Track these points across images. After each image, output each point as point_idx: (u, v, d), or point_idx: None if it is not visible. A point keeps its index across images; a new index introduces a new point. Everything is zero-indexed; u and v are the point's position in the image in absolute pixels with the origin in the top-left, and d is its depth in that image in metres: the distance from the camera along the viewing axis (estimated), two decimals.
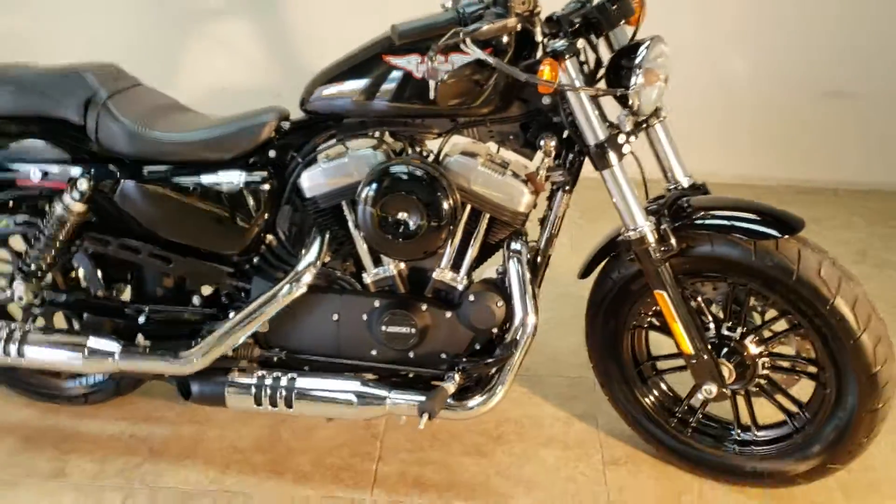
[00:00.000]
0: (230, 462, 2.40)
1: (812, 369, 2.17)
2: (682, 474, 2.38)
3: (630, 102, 1.98)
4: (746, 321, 2.18)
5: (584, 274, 2.29)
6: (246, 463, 2.40)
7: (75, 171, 2.23)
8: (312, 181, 2.19)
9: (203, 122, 2.27)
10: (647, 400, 2.38)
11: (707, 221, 2.08)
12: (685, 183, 2.19)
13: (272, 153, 2.24)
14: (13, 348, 2.27)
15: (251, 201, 2.23)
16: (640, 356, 2.37)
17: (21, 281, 2.32)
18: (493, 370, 2.15)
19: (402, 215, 2.06)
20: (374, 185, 2.06)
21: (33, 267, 2.31)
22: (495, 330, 2.20)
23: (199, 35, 4.35)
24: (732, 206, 2.09)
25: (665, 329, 2.22)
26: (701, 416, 2.34)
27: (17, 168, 2.27)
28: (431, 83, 1.98)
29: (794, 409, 2.24)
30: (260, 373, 2.22)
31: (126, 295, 2.45)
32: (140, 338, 2.34)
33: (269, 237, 2.31)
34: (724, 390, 2.17)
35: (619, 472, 2.40)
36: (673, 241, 2.05)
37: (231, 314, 2.27)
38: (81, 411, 2.58)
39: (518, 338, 2.11)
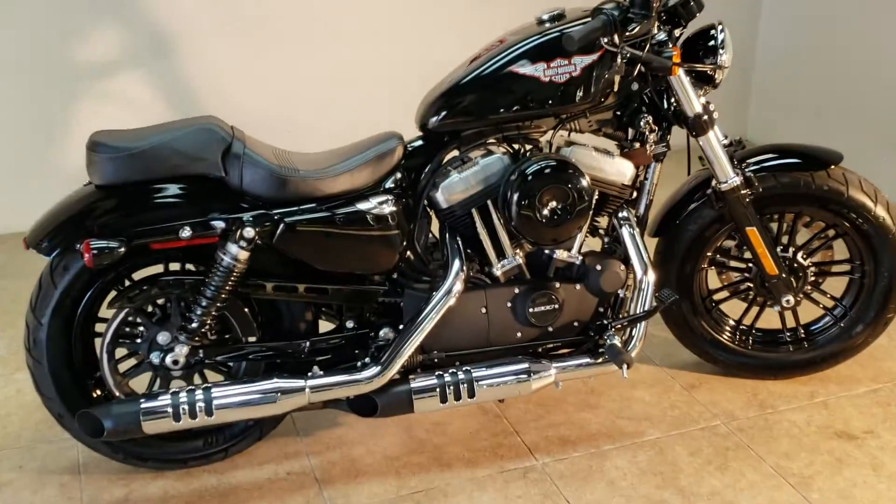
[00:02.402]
0: (397, 468, 2.54)
1: (846, 268, 2.78)
2: (747, 382, 2.90)
3: (715, 76, 2.45)
4: (793, 241, 2.75)
5: (658, 232, 2.73)
6: (411, 465, 2.56)
7: (219, 223, 2.26)
8: (448, 192, 2.42)
9: (334, 157, 2.41)
10: (712, 327, 2.87)
11: (770, 163, 2.61)
12: (725, 141, 2.70)
13: (402, 174, 2.43)
14: (200, 409, 2.26)
15: (391, 220, 2.40)
16: (703, 293, 2.85)
17: (185, 342, 2.31)
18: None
19: (552, 204, 2.36)
20: (520, 184, 2.34)
21: (196, 324, 2.30)
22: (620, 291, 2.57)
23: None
24: (785, 150, 2.64)
25: (721, 264, 2.77)
26: (756, 330, 2.89)
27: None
28: (565, 79, 2.33)
29: (830, 304, 2.84)
30: (437, 372, 2.41)
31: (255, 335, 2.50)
32: (315, 369, 2.41)
33: (408, 252, 2.49)
34: (798, 297, 2.72)
35: (702, 392, 2.88)
36: (756, 183, 2.55)
37: (385, 330, 2.44)
38: (215, 467, 2.56)
39: (644, 292, 2.50)
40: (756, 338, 2.91)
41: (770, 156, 2.65)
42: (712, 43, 2.48)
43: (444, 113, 2.40)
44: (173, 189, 2.26)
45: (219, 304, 2.30)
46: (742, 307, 2.88)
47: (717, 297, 2.89)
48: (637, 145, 2.54)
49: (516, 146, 2.50)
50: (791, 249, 2.74)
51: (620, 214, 2.56)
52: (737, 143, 2.70)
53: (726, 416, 2.76)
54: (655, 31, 2.37)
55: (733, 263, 2.83)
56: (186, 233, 2.23)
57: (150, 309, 2.39)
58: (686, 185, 2.75)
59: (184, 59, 4.23)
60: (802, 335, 2.88)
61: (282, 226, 2.29)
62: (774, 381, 2.91)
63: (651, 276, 2.51)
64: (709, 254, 2.79)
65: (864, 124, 4.43)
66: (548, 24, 2.41)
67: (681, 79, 2.44)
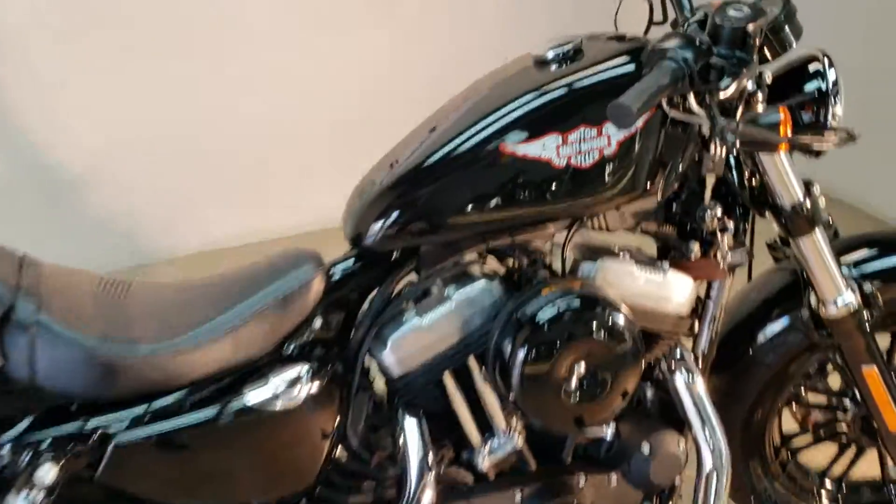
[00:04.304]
0: None
1: None
2: None
3: (825, 140, 1.51)
4: None
5: (715, 366, 1.80)
6: None
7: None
8: (403, 350, 1.47)
9: (205, 307, 1.40)
10: (792, 490, 1.97)
11: (885, 265, 1.72)
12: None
13: (323, 322, 1.45)
14: None
15: (307, 412, 1.42)
16: (774, 441, 1.95)
17: None
18: None
19: (578, 369, 1.41)
20: (524, 338, 1.40)
21: None
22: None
23: None
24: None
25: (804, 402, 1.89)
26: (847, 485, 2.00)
27: None
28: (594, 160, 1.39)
29: None
30: None
31: None
32: None
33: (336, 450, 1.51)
34: None
35: None
36: (881, 302, 1.64)
37: None
38: None
39: (714, 485, 1.58)
40: (851, 498, 2.00)
41: (874, 252, 1.74)
42: (814, 86, 1.54)
43: (391, 221, 1.44)
44: None
45: None
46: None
47: (795, 442, 1.98)
48: (696, 248, 1.59)
49: (510, 263, 1.54)
50: None
51: (673, 355, 1.62)
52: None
53: None
54: (752, 86, 1.42)
55: (818, 398, 1.93)
56: None
57: None
58: (755, 293, 1.83)
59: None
60: None
61: (110, 448, 1.29)
62: None
63: (725, 454, 1.58)
64: (791, 389, 1.88)
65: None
66: (557, 68, 1.46)
67: (781, 155, 1.51)
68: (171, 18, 3.13)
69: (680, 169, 1.47)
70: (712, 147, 1.43)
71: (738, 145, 1.29)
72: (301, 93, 3.36)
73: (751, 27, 1.29)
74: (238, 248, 3.39)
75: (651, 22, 1.61)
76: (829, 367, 1.88)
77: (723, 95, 1.29)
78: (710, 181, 1.59)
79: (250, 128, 3.34)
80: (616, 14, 1.66)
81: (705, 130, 1.48)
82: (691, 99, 1.33)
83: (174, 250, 3.36)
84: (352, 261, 1.50)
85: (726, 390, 1.84)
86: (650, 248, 1.66)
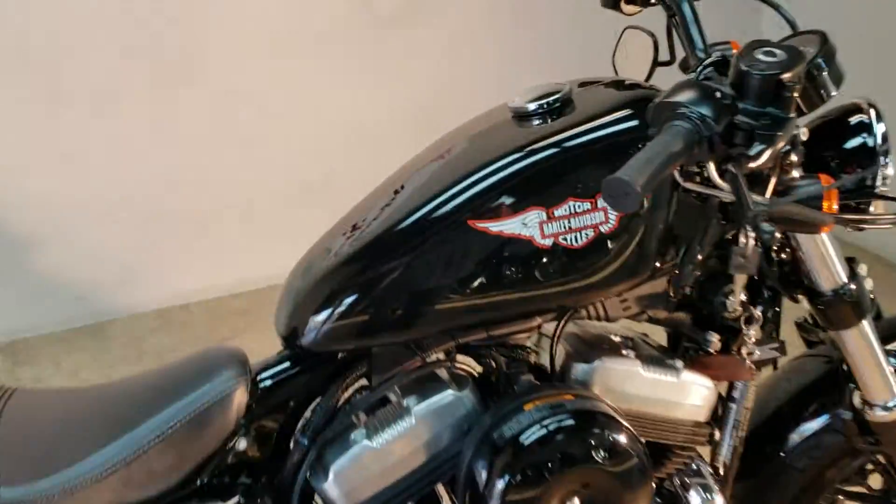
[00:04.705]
0: None
1: None
2: None
3: (880, 221, 1.21)
4: None
5: (742, 474, 1.49)
6: None
7: None
8: (349, 479, 1.16)
9: (91, 432, 1.10)
10: None
11: None
12: None
13: (246, 445, 1.15)
14: None
15: None
16: None
17: None
18: None
19: (570, 502, 1.11)
20: (503, 463, 1.10)
21: None
22: None
23: None
24: None
25: None
26: None
27: None
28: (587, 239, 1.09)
29: None
30: None
31: None
32: None
33: None
34: None
35: None
36: None
37: None
38: None
39: None
40: None
41: None
42: (858, 142, 1.25)
43: (337, 313, 1.14)
44: None
45: None
46: None
47: None
48: (715, 340, 1.29)
49: (485, 364, 1.24)
50: None
51: (688, 471, 1.32)
52: None
53: None
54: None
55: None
56: None
57: None
58: (784, 384, 1.52)
59: None
60: None
61: None
62: None
63: None
64: (827, 496, 1.57)
65: None
66: (540, 123, 1.17)
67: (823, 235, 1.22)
68: (123, 73, 2.88)
69: (698, 253, 1.17)
70: (742, 238, 1.12)
71: (776, 237, 0.99)
72: (261, 149, 3.12)
73: (786, 76, 0.99)
74: (197, 303, 3.16)
75: (656, 62, 1.32)
76: (870, 465, 1.59)
77: (753, 165, 1.00)
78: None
79: (205, 185, 3.10)
80: (615, 53, 1.38)
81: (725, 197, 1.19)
82: (711, 169, 1.03)
83: (132, 308, 3.08)
84: (286, 363, 1.20)
85: (752, 501, 1.54)
86: (658, 334, 1.37)
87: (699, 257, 1.17)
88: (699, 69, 1.16)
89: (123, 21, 2.81)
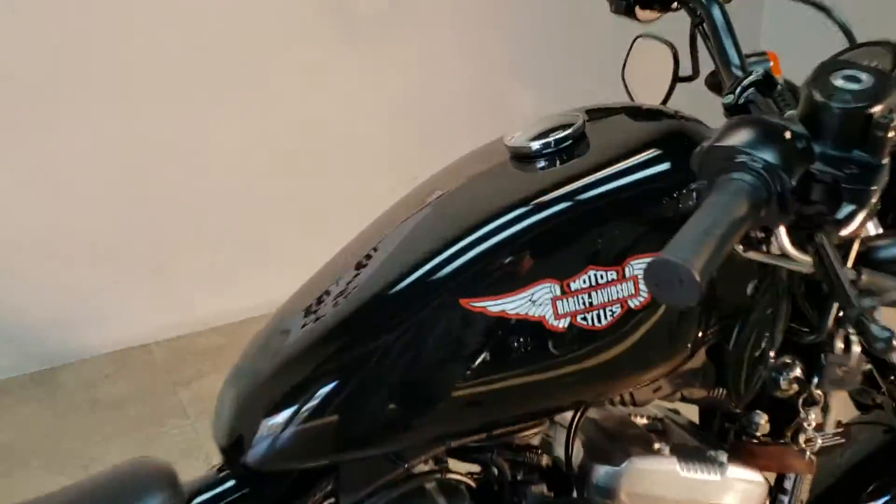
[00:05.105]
0: None
1: None
2: None
3: None
4: None
5: None
6: None
7: None
8: None
9: None
10: None
11: None
12: None
13: None
14: None
15: None
16: None
17: None
18: None
19: None
20: None
21: None
22: None
23: None
24: None
25: None
26: None
27: None
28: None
29: None
30: None
31: None
32: None
33: None
34: None
35: None
36: None
37: None
38: None
39: None
40: None
41: None
42: None
43: (291, 424, 0.89)
44: None
45: None
46: None
47: None
48: (763, 422, 1.05)
49: (485, 471, 1.00)
50: None
51: None
52: None
53: None
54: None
55: None
56: None
57: None
58: (840, 457, 1.29)
59: None
60: None
61: None
62: None
63: None
64: None
65: None
66: (547, 167, 0.93)
67: None
68: (82, 101, 2.62)
69: (770, 350, 0.93)
70: (838, 342, 0.88)
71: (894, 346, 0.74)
72: (223, 169, 2.87)
73: (877, 110, 0.74)
74: (157, 343, 2.90)
75: (676, 78, 1.08)
76: None
77: (845, 233, 0.75)
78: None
79: (163, 213, 2.84)
80: (624, 66, 1.14)
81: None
82: (782, 236, 0.79)
83: (84, 351, 2.82)
84: (228, 483, 0.94)
85: None
86: (690, 412, 1.13)
87: (772, 357, 0.92)
88: (738, 91, 0.92)
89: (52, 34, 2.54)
